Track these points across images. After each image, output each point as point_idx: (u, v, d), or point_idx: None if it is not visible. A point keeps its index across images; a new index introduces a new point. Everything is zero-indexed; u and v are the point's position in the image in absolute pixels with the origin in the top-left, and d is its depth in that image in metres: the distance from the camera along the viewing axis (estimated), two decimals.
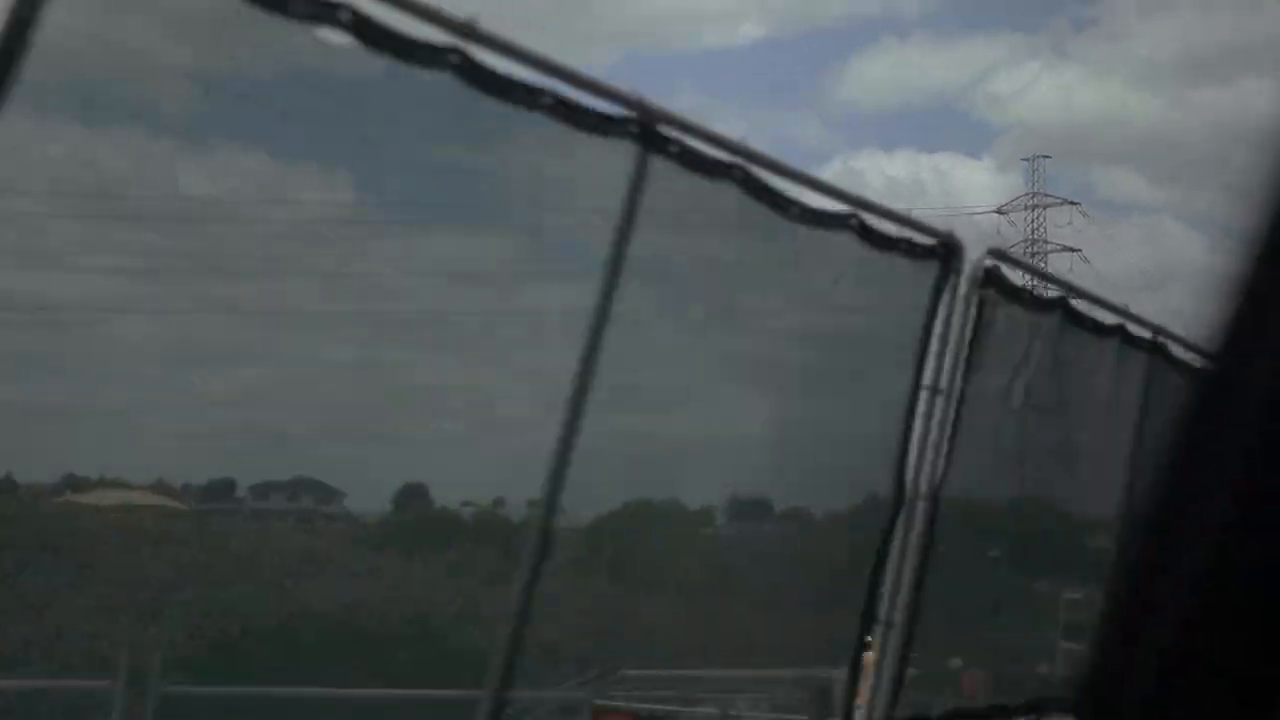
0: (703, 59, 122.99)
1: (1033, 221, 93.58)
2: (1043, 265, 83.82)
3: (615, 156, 4.88)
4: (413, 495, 16.11)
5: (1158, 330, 8.24)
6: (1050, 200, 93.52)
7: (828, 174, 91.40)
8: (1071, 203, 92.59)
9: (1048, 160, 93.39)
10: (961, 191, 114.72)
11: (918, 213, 7.37)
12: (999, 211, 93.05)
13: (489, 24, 4.26)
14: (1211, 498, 1.02)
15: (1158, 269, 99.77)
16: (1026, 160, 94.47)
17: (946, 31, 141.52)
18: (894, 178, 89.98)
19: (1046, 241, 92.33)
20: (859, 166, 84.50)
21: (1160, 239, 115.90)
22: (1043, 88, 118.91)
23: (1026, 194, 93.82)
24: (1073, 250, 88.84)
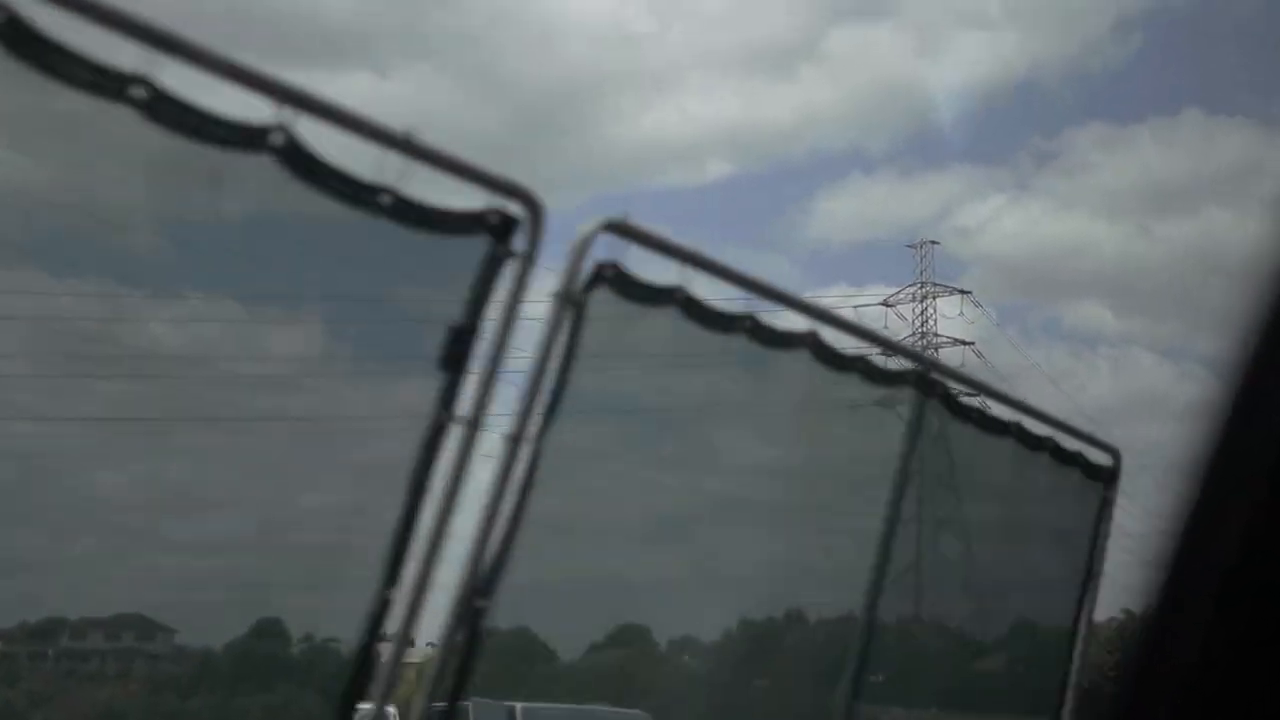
0: (669, 197, 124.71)
1: (921, 313, 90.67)
2: (933, 357, 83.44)
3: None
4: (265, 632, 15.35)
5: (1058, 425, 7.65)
6: (940, 289, 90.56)
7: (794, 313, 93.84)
8: (962, 291, 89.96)
9: (936, 246, 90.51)
10: (934, 324, 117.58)
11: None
12: (885, 304, 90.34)
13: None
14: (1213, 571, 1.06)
15: (1130, 400, 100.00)
16: (912, 247, 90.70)
17: (912, 167, 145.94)
18: (864, 312, 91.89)
19: (937, 334, 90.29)
20: (829, 303, 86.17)
21: (1130, 369, 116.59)
22: (1008, 221, 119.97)
23: (914, 284, 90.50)
24: (965, 343, 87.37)
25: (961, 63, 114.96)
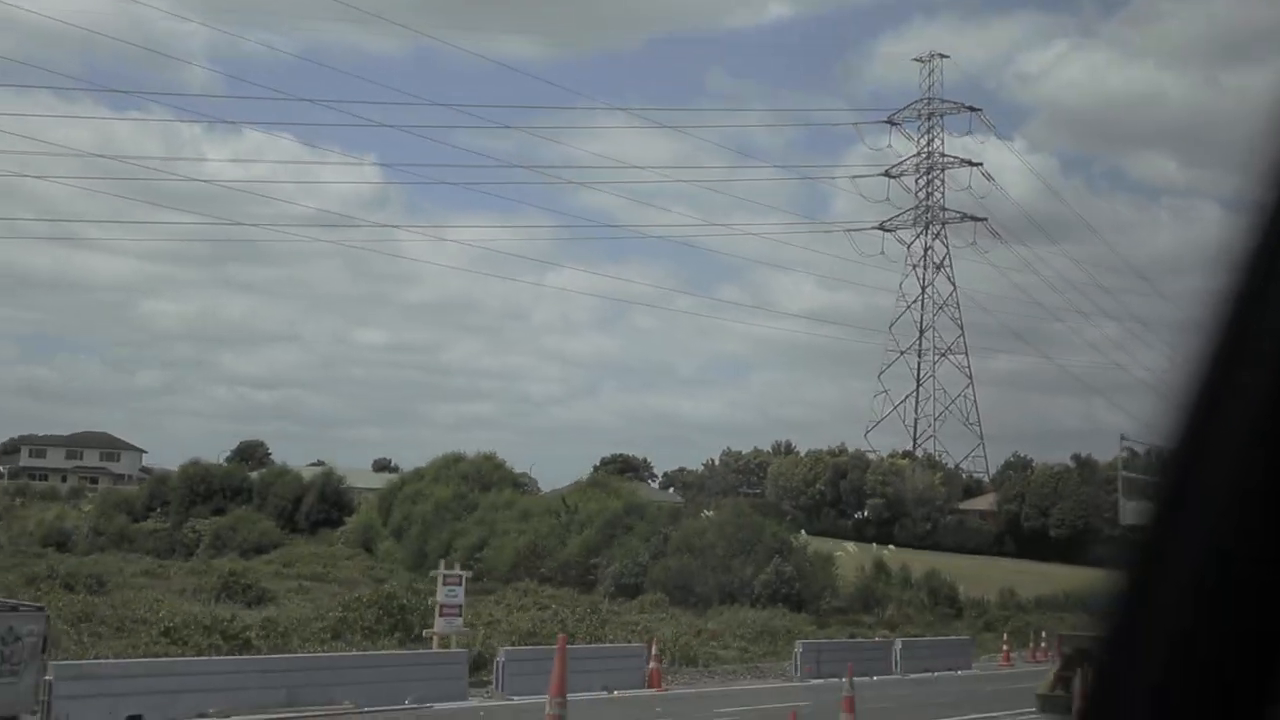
0: (727, 41, 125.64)
1: (928, 131, 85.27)
2: (939, 179, 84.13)
3: None
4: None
5: None
6: (948, 106, 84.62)
7: (854, 156, 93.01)
8: (971, 108, 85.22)
9: (945, 60, 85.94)
10: (993, 172, 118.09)
11: None
12: (890, 121, 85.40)
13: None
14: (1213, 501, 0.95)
15: (1191, 251, 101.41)
16: (919, 60, 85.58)
17: (975, 10, 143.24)
18: (957, 176, 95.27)
19: (944, 154, 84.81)
20: (884, 145, 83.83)
21: (1194, 221, 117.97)
22: (1072, 69, 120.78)
23: (921, 100, 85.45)
24: (973, 164, 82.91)
25: None
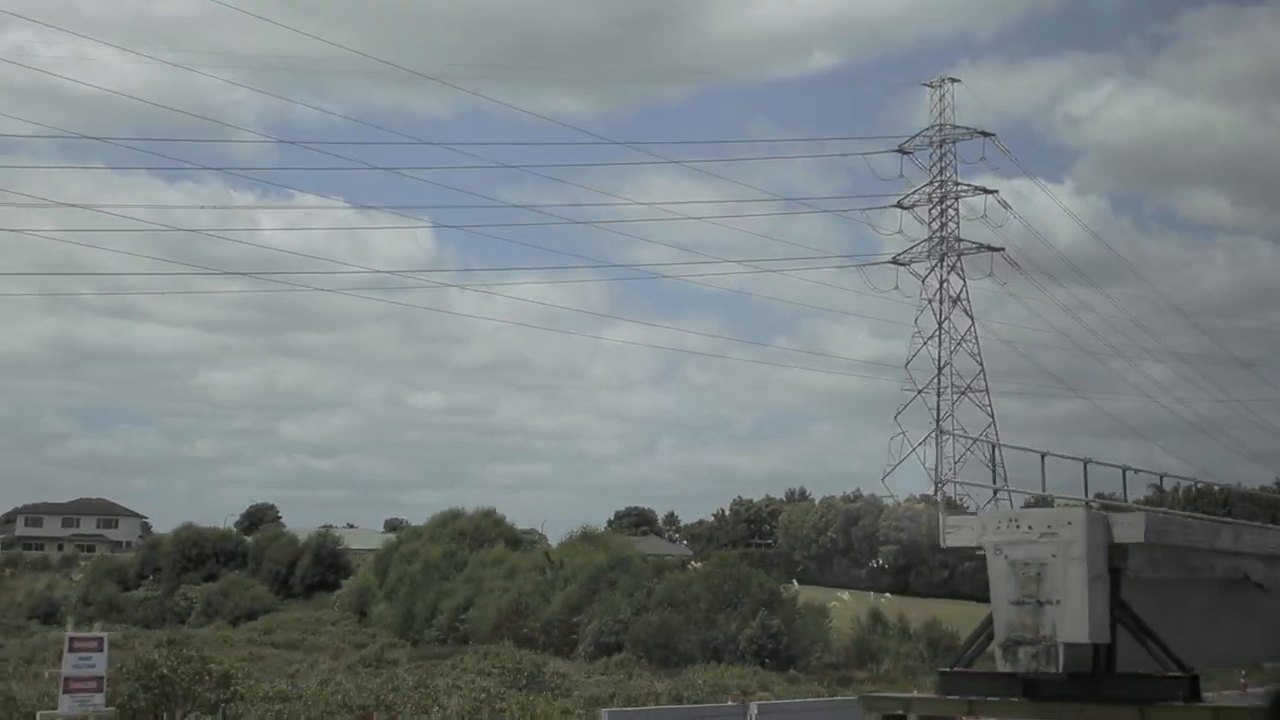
0: (775, 90, 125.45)
1: (940, 158, 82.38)
2: (953, 207, 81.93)
3: None
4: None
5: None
6: (960, 133, 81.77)
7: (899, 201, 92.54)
8: (984, 134, 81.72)
9: (957, 85, 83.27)
10: (1043, 214, 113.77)
11: None
12: (900, 150, 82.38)
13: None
14: None
15: (1248, 288, 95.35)
16: (929, 85, 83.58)
17: (1019, 54, 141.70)
18: (972, 204, 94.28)
19: (957, 182, 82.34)
20: (896, 175, 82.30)
21: (1249, 260, 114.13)
22: (1121, 108, 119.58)
23: (932, 127, 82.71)
24: (988, 192, 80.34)
25: None
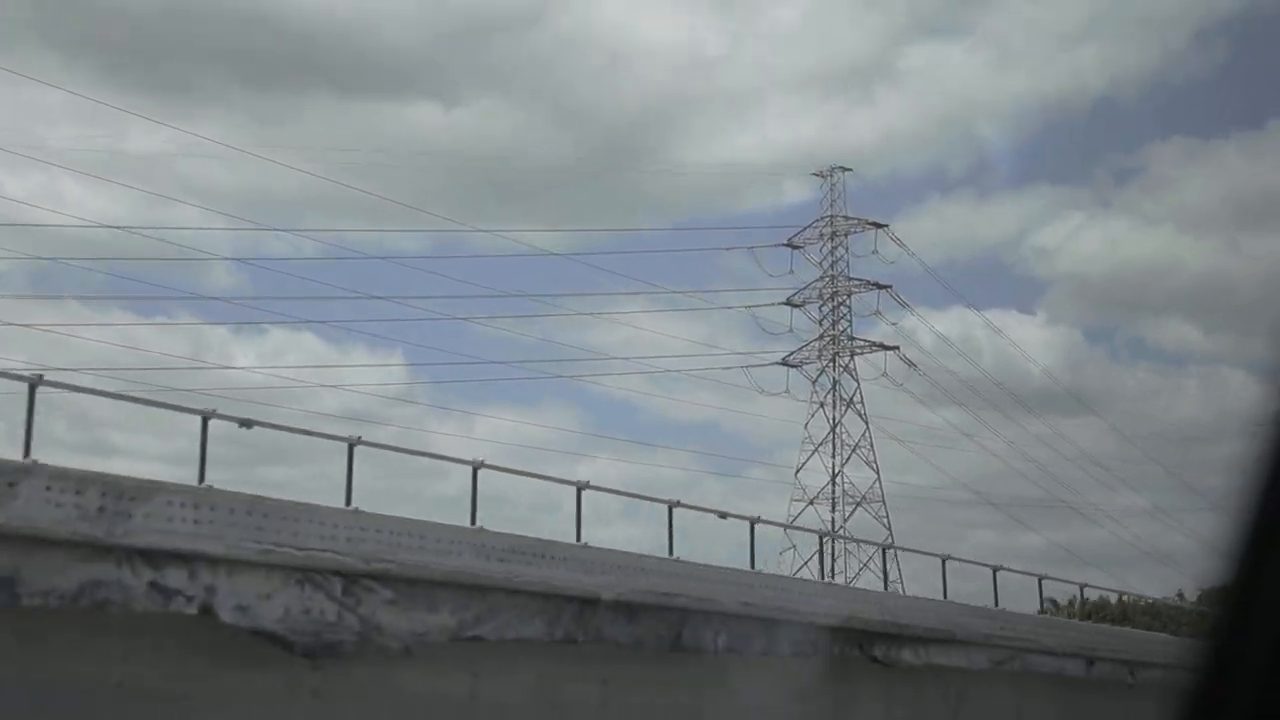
0: (749, 221, 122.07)
1: (831, 252, 78.51)
2: (845, 305, 74.41)
3: None
4: None
5: None
6: (853, 225, 77.97)
7: (876, 334, 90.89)
8: (877, 225, 77.52)
9: (847, 174, 78.96)
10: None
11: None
12: (789, 245, 78.09)
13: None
14: None
15: (1222, 418, 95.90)
16: (818, 175, 78.97)
17: (989, 189, 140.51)
18: (945, 335, 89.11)
19: (849, 277, 78.18)
20: (908, 326, 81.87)
21: (1219, 389, 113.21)
22: (1089, 240, 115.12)
23: (822, 218, 78.32)
24: (881, 287, 77.02)
25: (1039, 78, 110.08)
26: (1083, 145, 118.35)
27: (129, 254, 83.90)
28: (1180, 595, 62.33)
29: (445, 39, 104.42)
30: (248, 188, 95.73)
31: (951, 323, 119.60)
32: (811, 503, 79.45)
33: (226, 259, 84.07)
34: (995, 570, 21.73)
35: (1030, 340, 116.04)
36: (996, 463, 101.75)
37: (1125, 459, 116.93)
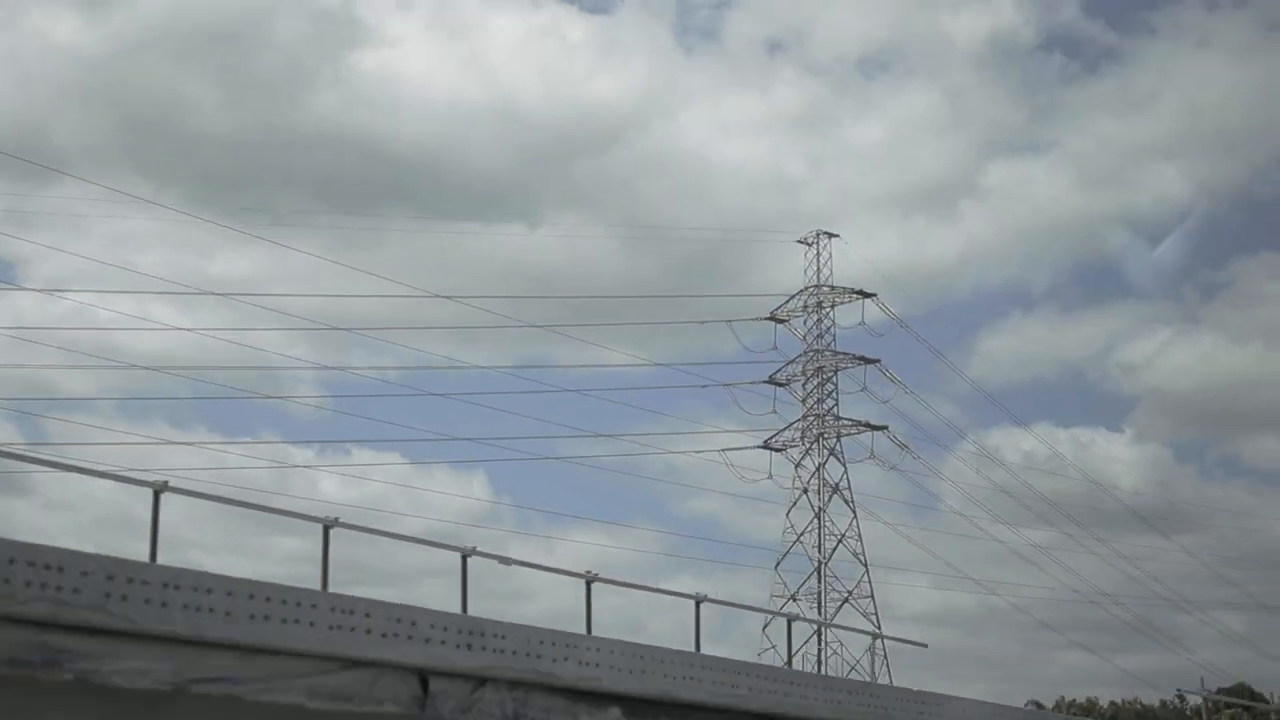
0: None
1: (818, 324, 73.53)
2: (831, 380, 70.30)
3: None
4: None
5: None
6: (840, 296, 73.47)
7: (958, 454, 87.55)
8: (864, 294, 72.92)
9: (835, 240, 74.51)
10: (1102, 463, 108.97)
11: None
12: (773, 318, 73.56)
13: None
14: None
15: None
16: (803, 242, 74.33)
17: (1073, 303, 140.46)
18: (1030, 453, 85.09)
19: (834, 350, 73.24)
20: (994, 444, 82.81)
21: None
22: (1176, 355, 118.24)
23: (809, 288, 73.80)
24: (869, 361, 72.17)
25: (1123, 194, 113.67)
26: (1168, 261, 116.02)
27: (214, 374, 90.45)
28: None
29: (530, 162, 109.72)
30: (333, 309, 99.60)
31: (1035, 442, 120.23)
32: (793, 598, 73.53)
33: (310, 378, 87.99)
34: None
35: (1116, 456, 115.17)
36: (1080, 583, 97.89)
37: (1217, 580, 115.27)
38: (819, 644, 69.45)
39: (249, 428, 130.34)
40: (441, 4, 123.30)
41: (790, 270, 78.29)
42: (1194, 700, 62.42)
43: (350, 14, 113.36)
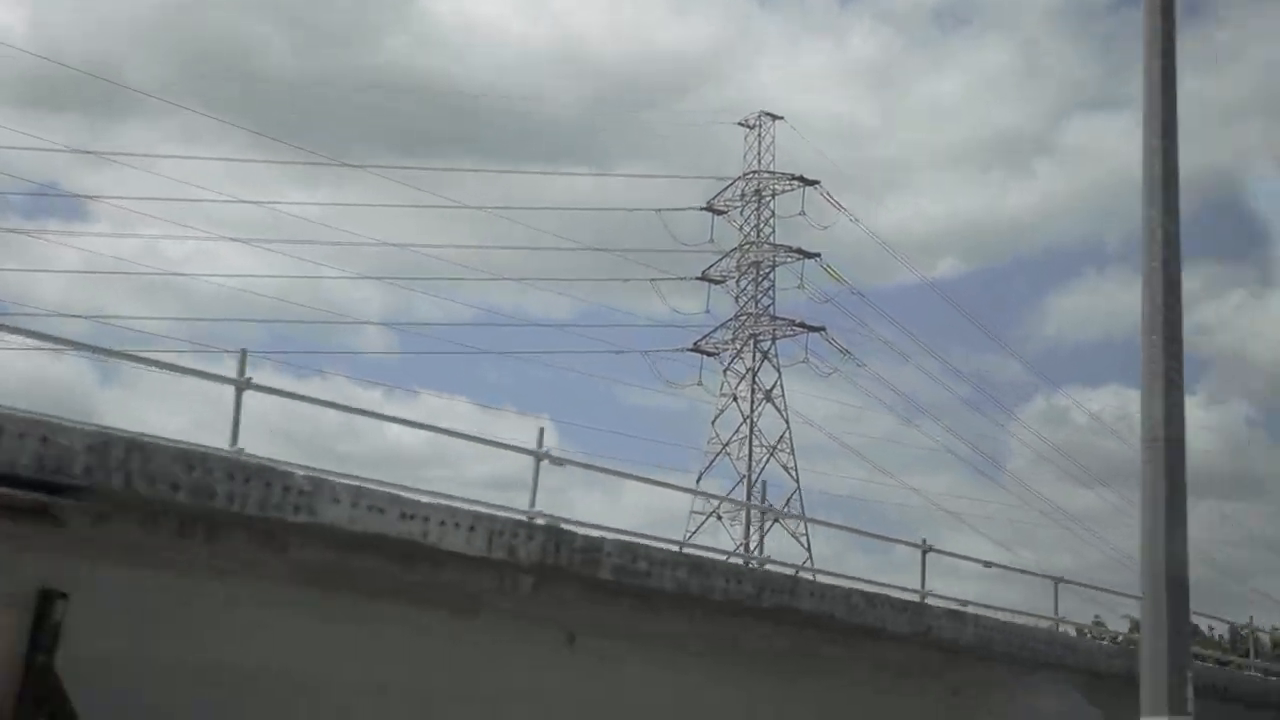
0: (899, 294, 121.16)
1: (756, 212, 67.51)
2: (768, 276, 65.06)
3: None
4: None
5: None
6: (779, 180, 66.91)
7: (1029, 412, 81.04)
8: (807, 181, 66.68)
9: (779, 122, 67.93)
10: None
11: None
12: (710, 209, 67.49)
13: None
14: None
15: None
16: (743, 124, 68.20)
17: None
18: (1098, 413, 79.56)
19: (772, 242, 67.28)
20: (1062, 404, 75.97)
21: None
22: (1252, 318, 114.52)
23: (744, 175, 67.52)
24: (808, 255, 66.49)
25: (1203, 150, 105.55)
26: (1245, 220, 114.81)
27: (283, 316, 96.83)
28: None
29: (600, 107, 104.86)
30: (399, 252, 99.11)
31: (1105, 401, 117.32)
32: (716, 514, 67.92)
33: (378, 323, 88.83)
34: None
35: (1190, 421, 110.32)
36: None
37: None
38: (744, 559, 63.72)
39: (317, 369, 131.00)
40: None
41: (864, 223, 72.08)
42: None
43: None
